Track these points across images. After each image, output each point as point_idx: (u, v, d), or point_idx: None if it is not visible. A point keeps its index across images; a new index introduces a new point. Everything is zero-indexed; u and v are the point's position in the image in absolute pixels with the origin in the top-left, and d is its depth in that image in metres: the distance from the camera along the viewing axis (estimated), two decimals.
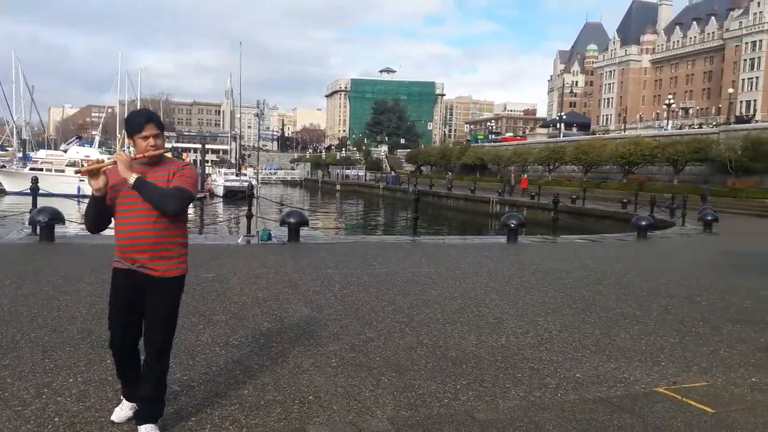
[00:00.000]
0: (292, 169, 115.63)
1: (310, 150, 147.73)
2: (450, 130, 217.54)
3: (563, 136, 67.63)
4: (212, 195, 47.02)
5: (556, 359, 5.14)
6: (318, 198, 65.41)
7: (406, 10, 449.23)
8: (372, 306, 6.82)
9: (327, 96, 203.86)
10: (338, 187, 74.25)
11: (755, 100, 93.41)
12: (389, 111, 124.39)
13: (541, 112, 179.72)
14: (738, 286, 9.22)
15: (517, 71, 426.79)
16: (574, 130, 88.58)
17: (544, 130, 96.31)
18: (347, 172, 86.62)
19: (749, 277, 10.35)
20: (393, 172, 76.80)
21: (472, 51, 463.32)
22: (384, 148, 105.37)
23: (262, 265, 9.32)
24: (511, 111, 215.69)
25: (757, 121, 59.15)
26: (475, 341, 5.57)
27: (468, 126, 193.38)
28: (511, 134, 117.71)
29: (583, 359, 5.18)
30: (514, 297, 7.77)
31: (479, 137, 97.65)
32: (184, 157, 77.83)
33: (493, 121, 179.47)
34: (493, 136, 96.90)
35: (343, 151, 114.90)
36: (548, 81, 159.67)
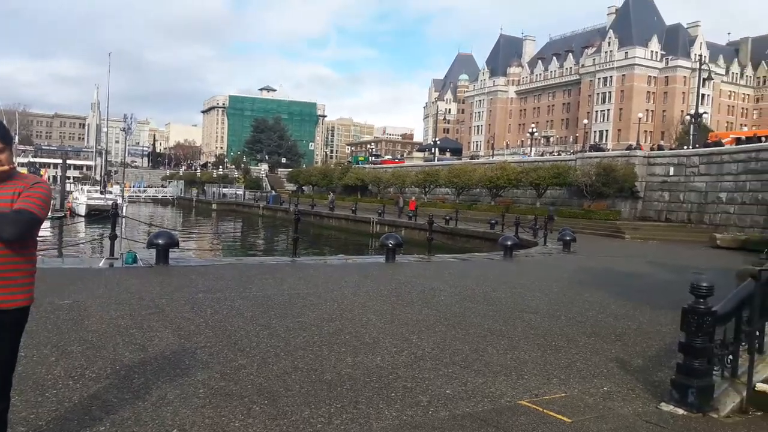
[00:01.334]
0: (164, 186, 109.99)
1: (185, 167, 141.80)
2: (332, 151, 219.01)
3: (438, 160, 70.41)
4: (73, 214, 43.66)
5: (429, 376, 5.27)
6: (192, 218, 62.82)
7: (287, 31, 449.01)
8: (246, 331, 6.62)
9: (204, 112, 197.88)
10: (214, 206, 71.60)
11: (607, 131, 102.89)
12: (270, 129, 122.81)
13: (418, 137, 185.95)
14: (592, 301, 10.01)
15: (396, 96, 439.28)
16: (448, 154, 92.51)
17: (421, 154, 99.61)
18: (224, 190, 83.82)
19: (602, 292, 11.25)
20: (274, 192, 75.56)
21: (353, 75, 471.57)
22: (264, 166, 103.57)
23: (126, 290, 8.74)
24: (390, 134, 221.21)
25: (608, 150, 64.95)
26: (351, 362, 5.58)
27: (349, 147, 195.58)
28: (390, 157, 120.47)
29: (454, 375, 5.35)
30: (390, 316, 7.89)
31: (360, 159, 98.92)
32: (42, 173, 71.83)
33: (373, 143, 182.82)
34: (374, 158, 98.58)
35: (221, 169, 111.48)
36: (424, 107, 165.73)
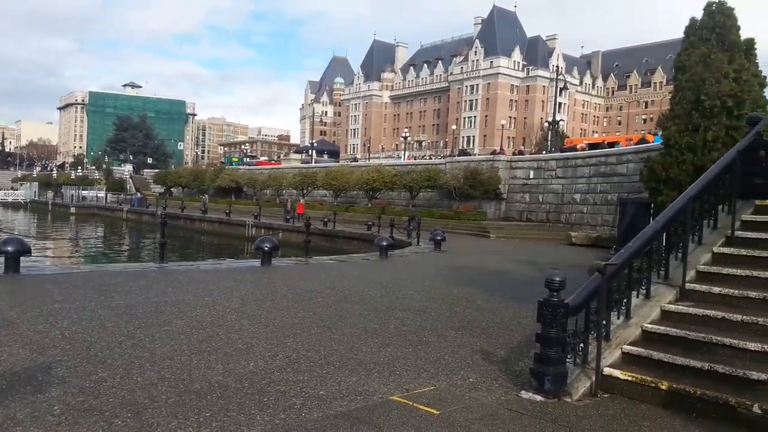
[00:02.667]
0: (14, 189, 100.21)
1: (39, 168, 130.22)
2: (203, 152, 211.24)
3: (315, 163, 70.28)
4: None
5: (303, 379, 5.27)
6: (47, 222, 57.88)
7: (156, 28, 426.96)
8: (108, 342, 6.23)
9: (60, 109, 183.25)
10: (73, 209, 66.39)
11: (474, 136, 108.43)
12: (134, 128, 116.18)
13: (295, 139, 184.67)
14: (460, 297, 10.50)
15: (272, 97, 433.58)
16: (326, 156, 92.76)
17: (298, 156, 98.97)
18: (84, 193, 77.95)
19: (470, 288, 11.82)
20: (139, 194, 71.38)
21: (226, 73, 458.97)
22: (128, 167, 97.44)
23: None
24: (266, 135, 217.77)
25: (475, 155, 68.33)
26: (222, 370, 5.44)
27: (222, 148, 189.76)
28: (266, 158, 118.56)
29: (328, 376, 5.40)
30: (265, 320, 7.78)
31: (234, 160, 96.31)
32: None
33: (248, 144, 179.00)
34: (249, 160, 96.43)
35: (80, 170, 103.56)
36: (300, 109, 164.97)
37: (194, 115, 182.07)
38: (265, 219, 38.96)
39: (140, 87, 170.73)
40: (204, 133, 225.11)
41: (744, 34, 15.61)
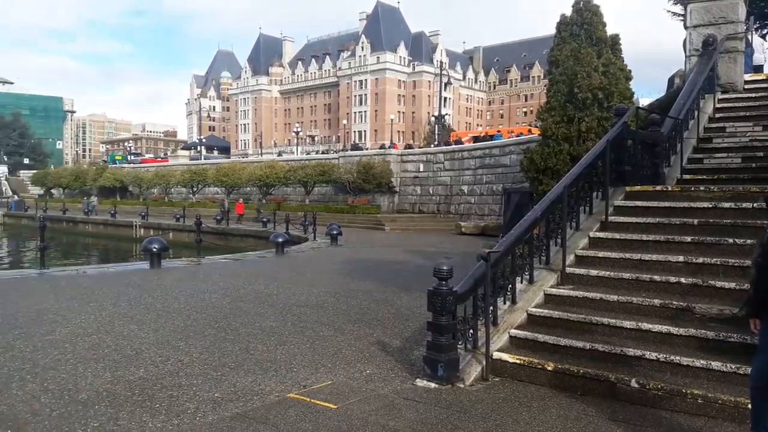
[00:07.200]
0: None
1: None
2: (85, 150, 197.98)
3: (205, 159, 67.92)
4: None
5: (196, 382, 5.17)
6: None
7: (26, 21, 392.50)
8: None
9: None
10: None
11: (365, 131, 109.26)
12: (7, 126, 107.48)
13: (182, 135, 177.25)
14: (357, 290, 10.64)
15: (156, 93, 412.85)
16: (216, 153, 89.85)
17: (186, 153, 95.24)
18: None
19: (366, 281, 12.00)
20: (16, 197, 65.85)
21: (107, 69, 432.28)
22: (3, 168, 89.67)
23: None
24: (151, 132, 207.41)
25: (367, 149, 69.03)
26: (110, 378, 5.22)
27: (104, 146, 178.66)
28: (152, 155, 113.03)
29: (223, 378, 5.32)
30: (155, 324, 7.51)
31: (117, 158, 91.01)
32: None
33: (132, 141, 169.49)
34: (133, 157, 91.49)
35: None
36: (186, 104, 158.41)
37: (73, 112, 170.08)
38: (153, 219, 37.28)
39: (11, 83, 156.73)
40: (84, 131, 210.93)
41: (609, 30, 16.92)
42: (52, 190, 69.29)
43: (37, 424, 4.11)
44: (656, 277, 6.21)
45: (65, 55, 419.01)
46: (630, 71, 16.67)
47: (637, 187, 8.18)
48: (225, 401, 4.71)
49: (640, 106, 14.04)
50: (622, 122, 8.39)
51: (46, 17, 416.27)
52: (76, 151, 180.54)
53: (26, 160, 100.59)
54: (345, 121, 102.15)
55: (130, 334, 6.95)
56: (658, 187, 8.22)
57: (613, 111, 10.51)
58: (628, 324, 5.63)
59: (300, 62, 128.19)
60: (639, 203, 7.82)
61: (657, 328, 5.48)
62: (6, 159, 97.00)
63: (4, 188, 77.87)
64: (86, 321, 7.62)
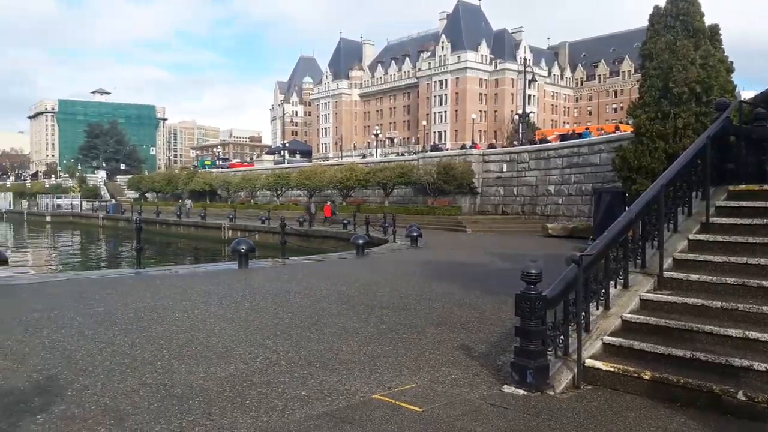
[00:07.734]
0: None
1: (12, 178, 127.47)
2: (176, 156, 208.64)
3: (288, 163, 69.90)
4: None
5: (284, 380, 5.25)
6: (24, 232, 56.80)
7: (124, 35, 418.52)
8: (88, 350, 6.15)
9: (31, 118, 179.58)
10: (49, 218, 65.77)
11: (445, 131, 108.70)
12: (105, 134, 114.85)
13: (266, 140, 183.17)
14: (439, 293, 10.54)
15: (241, 100, 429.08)
16: (298, 156, 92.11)
17: (270, 157, 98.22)
18: (59, 201, 76.98)
19: (448, 284, 11.87)
20: (114, 200, 70.50)
21: (196, 78, 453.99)
22: (102, 174, 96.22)
23: None
24: (237, 137, 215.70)
25: (447, 149, 68.67)
26: (203, 374, 5.40)
27: (194, 152, 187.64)
28: (239, 160, 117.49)
29: (309, 376, 5.38)
30: (244, 322, 7.73)
31: (207, 163, 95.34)
32: None
33: (220, 147, 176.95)
34: (221, 162, 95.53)
35: (53, 178, 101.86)
36: (270, 110, 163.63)
37: (165, 119, 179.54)
38: (240, 221, 38.68)
39: (109, 93, 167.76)
40: (175, 138, 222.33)
41: (708, 21, 15.94)
42: (147, 194, 73.53)
43: (138, 416, 4.30)
44: (765, 283, 5.73)
45: (158, 66, 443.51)
46: (731, 63, 15.65)
47: (742, 186, 7.60)
48: (312, 400, 4.75)
49: (743, 99, 13.13)
50: (724, 117, 7.83)
51: (142, 31, 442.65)
52: (168, 157, 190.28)
53: (122, 166, 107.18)
54: (424, 122, 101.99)
55: (220, 331, 7.18)
56: (765, 186, 7.61)
57: (714, 105, 9.86)
58: (733, 332, 5.21)
59: (379, 65, 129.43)
60: (744, 203, 7.26)
61: (766, 337, 5.06)
62: (104, 165, 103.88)
63: (102, 192, 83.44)
64: (180, 318, 7.96)
